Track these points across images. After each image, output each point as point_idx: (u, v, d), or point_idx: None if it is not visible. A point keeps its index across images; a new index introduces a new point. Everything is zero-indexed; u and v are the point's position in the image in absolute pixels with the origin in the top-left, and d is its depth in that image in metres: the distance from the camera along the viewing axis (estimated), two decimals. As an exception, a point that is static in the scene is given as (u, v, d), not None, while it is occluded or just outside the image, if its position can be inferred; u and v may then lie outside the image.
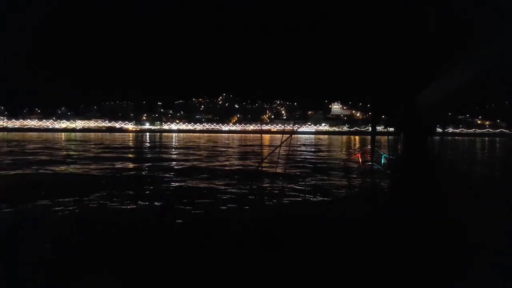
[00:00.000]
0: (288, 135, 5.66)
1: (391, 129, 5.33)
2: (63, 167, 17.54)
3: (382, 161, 5.71)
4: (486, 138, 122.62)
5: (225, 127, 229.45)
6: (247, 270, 3.17)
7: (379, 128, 6.15)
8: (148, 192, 10.85)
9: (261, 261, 3.29)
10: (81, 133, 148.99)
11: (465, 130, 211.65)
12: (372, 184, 5.69)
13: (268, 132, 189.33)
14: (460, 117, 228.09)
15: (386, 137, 5.60)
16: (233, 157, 28.66)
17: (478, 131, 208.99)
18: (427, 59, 4.50)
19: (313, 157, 34.64)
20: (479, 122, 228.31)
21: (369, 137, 6.41)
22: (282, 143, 5.42)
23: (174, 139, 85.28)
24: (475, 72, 3.28)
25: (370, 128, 5.91)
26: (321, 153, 41.34)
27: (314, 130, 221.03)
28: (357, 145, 57.55)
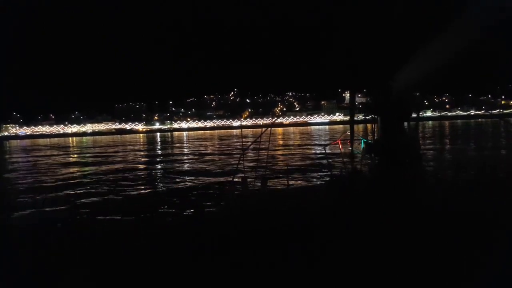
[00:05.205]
0: (265, 128, 7.08)
1: (368, 116, 5.93)
2: None
3: (362, 146, 6.35)
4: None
5: (236, 123, 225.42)
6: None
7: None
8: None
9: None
10: (91, 137, 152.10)
11: (488, 112, 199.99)
12: (352, 168, 6.34)
13: (280, 125, 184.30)
14: (482, 98, 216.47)
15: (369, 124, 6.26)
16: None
17: (503, 111, 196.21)
18: (399, 43, 5.04)
19: (303, 146, 37.67)
20: (503, 102, 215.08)
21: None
22: (261, 135, 6.53)
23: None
24: (445, 55, 3.82)
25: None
26: (316, 142, 43.87)
27: (327, 120, 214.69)
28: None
